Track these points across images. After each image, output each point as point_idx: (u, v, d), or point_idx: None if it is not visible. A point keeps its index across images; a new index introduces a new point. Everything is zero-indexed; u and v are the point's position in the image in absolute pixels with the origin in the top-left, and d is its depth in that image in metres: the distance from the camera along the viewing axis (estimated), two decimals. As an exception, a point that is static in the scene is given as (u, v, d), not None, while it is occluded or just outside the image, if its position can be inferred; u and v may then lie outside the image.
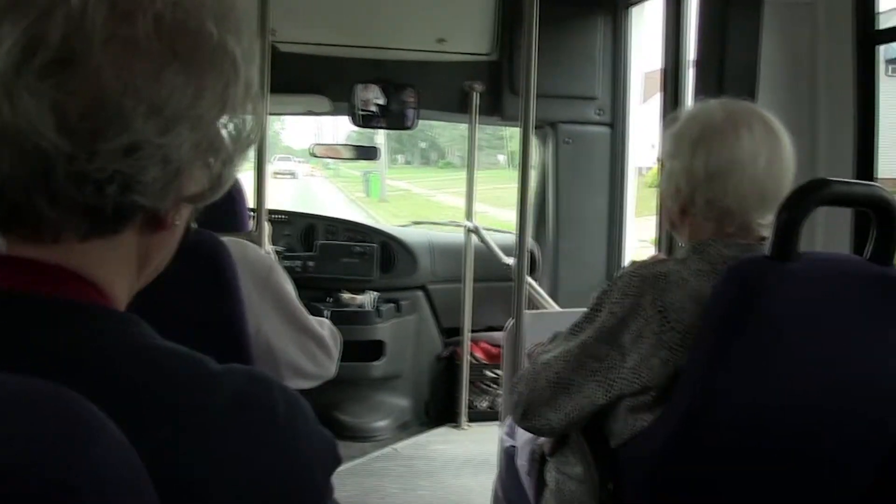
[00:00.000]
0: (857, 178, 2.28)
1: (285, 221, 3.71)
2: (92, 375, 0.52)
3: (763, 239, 1.32)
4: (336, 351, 1.65)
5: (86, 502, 0.42)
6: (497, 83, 3.54)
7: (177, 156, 0.56)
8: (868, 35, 2.29)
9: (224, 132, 0.61)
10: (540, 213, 3.78)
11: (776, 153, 1.35)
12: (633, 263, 1.46)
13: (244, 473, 0.54)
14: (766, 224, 1.33)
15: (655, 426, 1.30)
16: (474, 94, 3.47)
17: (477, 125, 3.53)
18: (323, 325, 1.64)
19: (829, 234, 2.39)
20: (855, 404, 1.29)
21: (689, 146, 1.37)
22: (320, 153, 4.01)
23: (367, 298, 3.53)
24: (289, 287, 1.55)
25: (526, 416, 1.46)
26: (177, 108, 0.55)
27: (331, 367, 1.64)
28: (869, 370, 1.27)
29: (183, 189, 0.60)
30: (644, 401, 1.32)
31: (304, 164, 32.17)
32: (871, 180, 2.32)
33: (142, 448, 0.47)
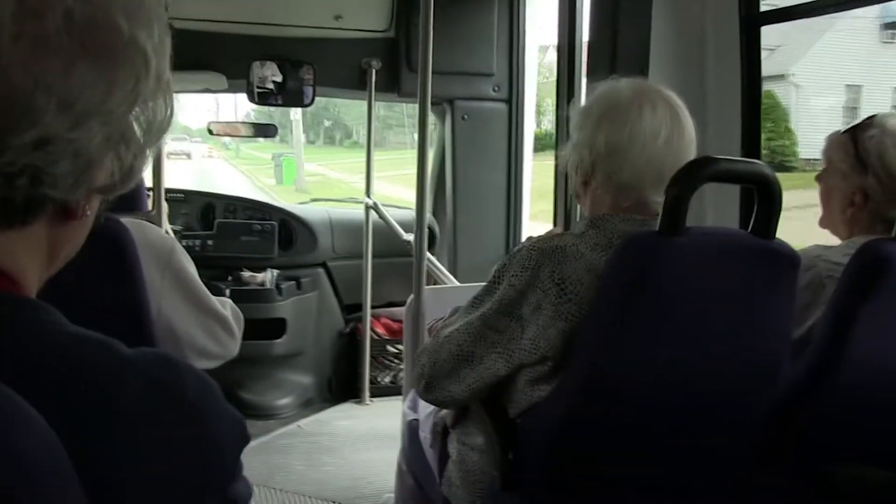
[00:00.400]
0: (744, 156, 2.41)
1: (183, 200, 3.63)
2: (9, 364, 0.53)
3: (658, 214, 1.39)
4: (239, 331, 1.66)
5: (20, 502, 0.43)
6: (394, 60, 3.55)
7: (88, 149, 0.57)
8: (753, 16, 2.40)
9: (135, 124, 0.61)
10: (438, 189, 3.83)
11: (677, 132, 1.41)
12: (531, 238, 1.51)
13: (157, 456, 0.55)
14: (661, 201, 1.38)
15: (553, 396, 1.36)
16: (372, 70, 3.48)
17: (374, 102, 3.54)
18: (225, 305, 1.64)
19: (718, 209, 2.52)
20: (740, 368, 1.39)
21: (594, 121, 1.43)
22: (217, 130, 3.94)
23: (267, 276, 3.50)
24: (191, 267, 1.54)
25: (429, 389, 1.50)
26: (88, 103, 0.56)
27: (234, 347, 1.64)
28: (751, 335, 1.37)
29: (94, 181, 0.60)
30: (542, 371, 1.38)
31: (202, 145, 29.73)
32: (757, 158, 2.47)
33: (61, 436, 0.48)
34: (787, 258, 1.35)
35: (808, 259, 1.66)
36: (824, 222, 1.81)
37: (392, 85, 3.58)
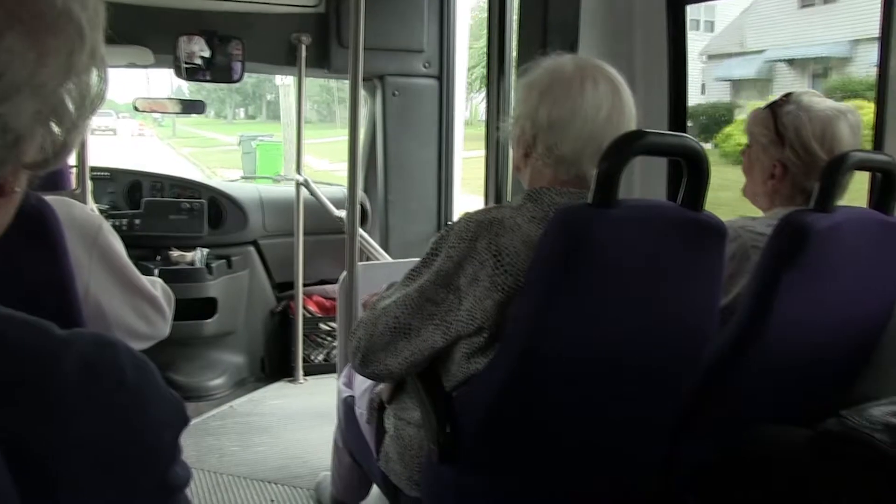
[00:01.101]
0: (671, 130, 2.47)
1: (108, 179, 3.52)
2: None
3: None
4: (169, 311, 1.62)
5: None
6: (324, 35, 3.50)
7: (16, 124, 0.54)
8: (678, -6, 2.45)
9: (68, 98, 0.59)
10: (370, 166, 3.81)
11: (618, 108, 1.44)
12: (467, 213, 1.52)
13: (94, 440, 0.54)
14: None
15: (489, 368, 1.38)
16: (302, 46, 3.42)
17: (305, 77, 3.49)
18: (155, 285, 1.61)
19: (646, 182, 2.58)
20: (670, 336, 1.43)
21: (536, 95, 1.44)
22: (143, 107, 3.83)
23: (196, 255, 3.43)
24: (119, 246, 1.50)
25: (365, 362, 1.50)
26: (17, 75, 0.53)
27: (164, 328, 1.61)
28: (681, 305, 1.41)
29: (23, 156, 0.58)
30: (479, 343, 1.40)
31: (130, 121, 27.24)
32: (684, 131, 2.52)
33: None
34: (715, 229, 1.38)
35: (734, 230, 1.72)
36: (748, 192, 1.88)
37: (322, 61, 3.53)
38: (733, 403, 1.64)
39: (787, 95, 1.79)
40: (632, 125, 1.46)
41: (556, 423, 1.44)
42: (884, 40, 1.89)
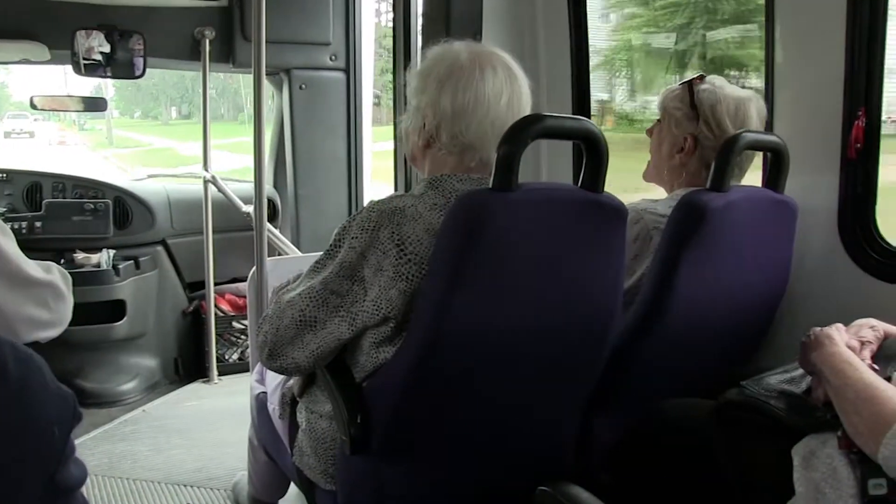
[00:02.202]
0: (575, 114, 2.52)
1: (5, 180, 3.38)
2: None
3: None
4: (69, 293, 1.57)
5: None
6: (228, 29, 3.43)
7: None
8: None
9: None
10: (278, 161, 3.76)
11: (516, 93, 1.46)
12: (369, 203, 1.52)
13: None
14: None
15: (397, 357, 1.38)
16: (205, 40, 3.35)
17: (209, 72, 3.41)
18: (51, 269, 1.55)
19: (552, 167, 2.62)
20: (574, 316, 1.45)
21: (436, 83, 1.44)
22: (42, 105, 3.66)
23: (102, 257, 3.32)
24: (7, 240, 1.44)
25: (272, 356, 1.48)
26: None
27: (67, 311, 1.55)
28: (583, 285, 1.43)
29: None
30: (386, 333, 1.39)
31: (48, 123, 23.30)
32: (587, 116, 2.58)
33: None
34: (615, 210, 1.41)
35: (636, 213, 1.77)
36: (650, 175, 1.94)
37: (227, 55, 3.47)
38: (641, 381, 1.69)
39: (702, 76, 1.86)
40: (528, 110, 1.47)
41: (467, 409, 1.44)
42: (769, 31, 1.98)
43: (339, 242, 1.41)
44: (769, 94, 2.00)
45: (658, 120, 1.92)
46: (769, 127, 1.98)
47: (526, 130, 1.30)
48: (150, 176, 4.02)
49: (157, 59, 3.42)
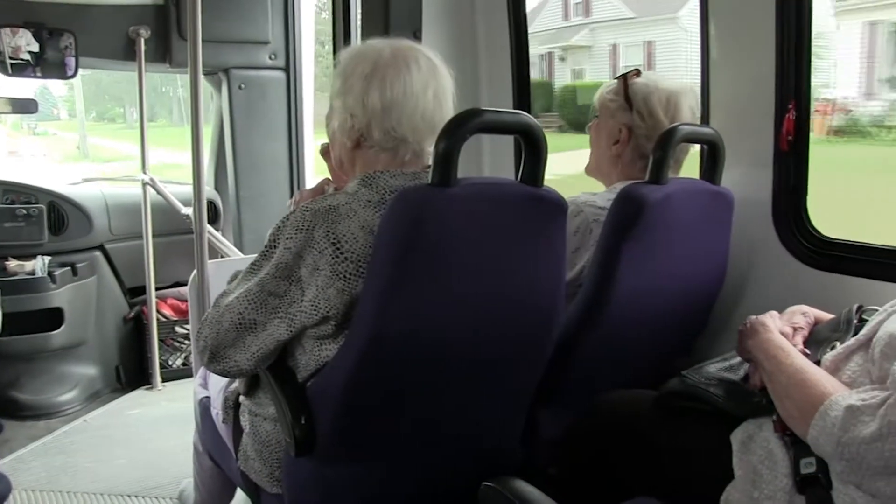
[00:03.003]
0: (516, 108, 2.53)
1: None
2: None
3: (429, 167, 1.41)
4: None
5: None
6: (164, 28, 3.36)
7: None
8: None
9: None
10: (219, 162, 3.70)
11: (441, 86, 1.46)
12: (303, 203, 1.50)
13: None
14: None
15: (339, 356, 1.36)
16: (140, 39, 3.28)
17: (145, 73, 3.34)
18: None
19: (494, 162, 2.64)
20: (517, 310, 1.45)
21: (362, 80, 1.42)
22: (-38, 107, 3.53)
23: (37, 264, 3.22)
24: None
25: (214, 360, 1.46)
26: None
27: None
28: (525, 278, 1.44)
29: None
30: (326, 331, 1.38)
31: None
32: (528, 109, 2.60)
33: None
34: (555, 204, 1.42)
35: (576, 206, 1.79)
36: (591, 170, 1.97)
37: (163, 55, 3.39)
38: (585, 373, 1.71)
39: (637, 70, 1.90)
40: (451, 102, 1.47)
41: (412, 407, 1.44)
42: (704, 28, 2.02)
43: (274, 243, 1.40)
44: (705, 89, 2.05)
45: (595, 116, 1.95)
46: (705, 120, 2.03)
47: (464, 125, 1.30)
48: (85, 180, 3.91)
49: (90, 58, 3.33)
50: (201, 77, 2.33)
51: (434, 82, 1.44)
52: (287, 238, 1.36)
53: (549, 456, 1.69)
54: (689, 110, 1.87)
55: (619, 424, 1.50)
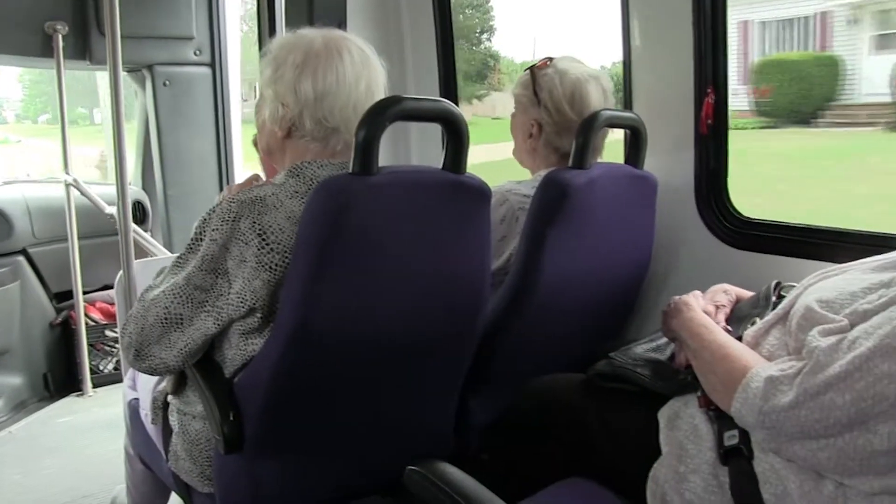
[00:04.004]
0: (443, 97, 2.53)
1: None
2: None
3: None
4: None
5: None
6: (83, 23, 3.26)
7: None
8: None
9: None
10: (146, 161, 3.62)
11: (373, 78, 1.46)
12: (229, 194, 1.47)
13: None
14: None
15: (265, 349, 1.35)
16: (58, 35, 3.17)
17: (64, 70, 3.23)
18: None
19: (422, 150, 2.64)
20: (442, 298, 1.45)
21: (293, 69, 1.41)
22: None
23: (-47, 272, 3.11)
24: None
25: (139, 357, 1.43)
26: None
27: None
28: (450, 266, 1.44)
29: None
30: (253, 324, 1.36)
31: None
32: (455, 99, 2.60)
33: None
34: (477, 190, 1.42)
35: (501, 194, 1.80)
36: (516, 154, 1.99)
37: (82, 51, 3.28)
38: (514, 359, 1.72)
39: (547, 59, 1.90)
40: (383, 95, 1.46)
41: (341, 399, 1.43)
42: (625, 16, 2.05)
43: (200, 236, 1.37)
44: (627, 76, 2.08)
45: (514, 106, 1.97)
46: (628, 106, 2.06)
47: (384, 113, 1.29)
48: (5, 182, 3.78)
49: (3, 55, 3.22)
50: (122, 74, 2.26)
51: (367, 74, 1.44)
52: (213, 230, 1.34)
53: (481, 442, 1.70)
54: (600, 96, 1.88)
55: (549, 408, 1.52)
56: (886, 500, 1.07)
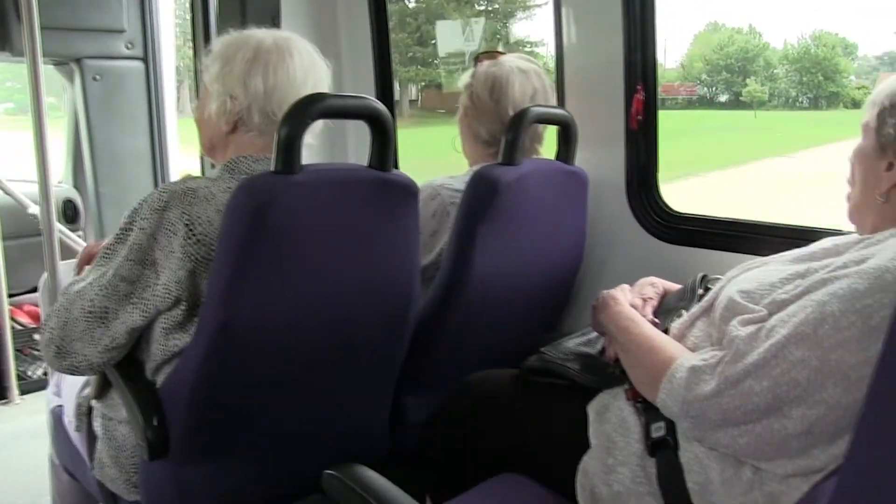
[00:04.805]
0: (379, 96, 2.52)
1: None
2: None
3: None
4: None
5: None
6: (3, 13, 3.13)
7: None
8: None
9: None
10: (77, 158, 3.51)
11: (319, 78, 1.48)
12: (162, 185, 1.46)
13: None
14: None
15: (190, 349, 1.32)
16: None
17: None
18: None
19: (359, 149, 2.61)
20: (371, 295, 1.44)
21: (244, 64, 1.42)
22: None
23: None
24: None
25: (60, 354, 1.38)
26: None
27: None
28: (378, 263, 1.43)
29: None
30: (177, 317, 1.34)
31: None
32: (390, 99, 2.59)
33: None
34: (404, 187, 1.42)
35: (433, 189, 1.80)
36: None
37: (2, 42, 3.16)
38: (448, 356, 1.72)
39: (481, 56, 1.94)
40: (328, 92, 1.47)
41: (270, 401, 1.40)
42: (557, 14, 2.06)
43: (129, 225, 1.35)
44: (560, 73, 2.09)
45: None
46: (561, 103, 2.07)
47: (307, 111, 1.27)
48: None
49: None
50: (41, 66, 2.19)
51: (313, 74, 1.47)
52: (142, 219, 1.32)
53: (417, 439, 1.70)
54: (527, 89, 1.89)
55: (483, 404, 1.52)
56: (798, 480, 1.11)
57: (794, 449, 1.10)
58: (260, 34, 1.47)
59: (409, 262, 1.46)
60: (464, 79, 1.97)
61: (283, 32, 1.50)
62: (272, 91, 1.41)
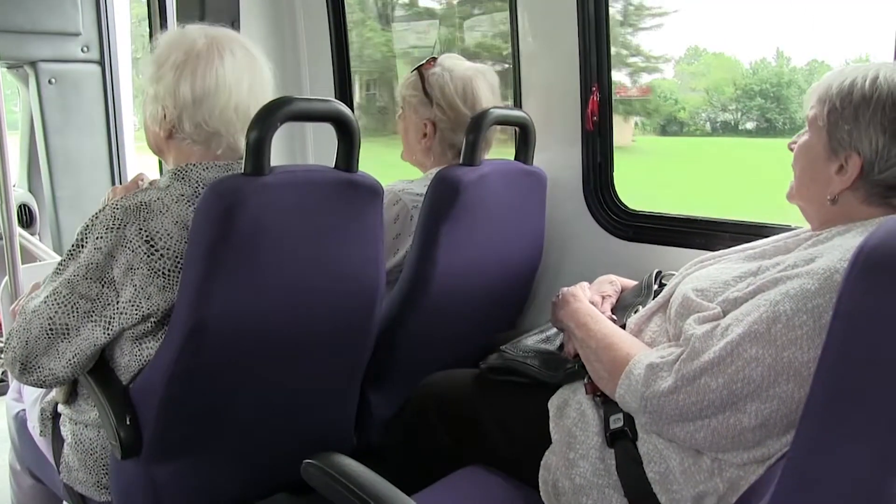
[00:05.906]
0: (338, 97, 2.54)
1: None
2: None
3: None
4: None
5: None
6: None
7: None
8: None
9: None
10: (32, 162, 3.47)
11: (257, 77, 1.44)
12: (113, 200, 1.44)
13: None
14: None
15: (160, 352, 1.33)
16: None
17: None
18: None
19: (320, 150, 2.63)
20: (337, 295, 1.47)
21: (172, 71, 1.38)
22: None
23: None
24: None
25: (26, 371, 1.37)
26: None
27: None
28: (344, 263, 1.45)
29: None
30: (146, 328, 1.34)
31: None
32: (349, 99, 2.61)
33: None
34: (370, 188, 1.44)
35: (394, 193, 1.82)
36: (406, 155, 2.01)
37: (-45, 47, 3.13)
38: (412, 355, 1.75)
39: (434, 58, 1.93)
40: (271, 94, 1.46)
41: (238, 399, 1.42)
42: (513, 17, 2.10)
43: (82, 242, 1.34)
44: (517, 75, 2.13)
45: (402, 108, 1.99)
46: (518, 105, 2.11)
47: (275, 114, 1.29)
48: None
49: None
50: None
51: (250, 75, 1.42)
52: (97, 237, 1.30)
53: (382, 436, 1.72)
54: (489, 91, 1.92)
55: (445, 402, 1.54)
56: (755, 466, 1.14)
57: (750, 441, 1.14)
58: (195, 34, 1.42)
59: (374, 261, 1.49)
60: (413, 91, 1.93)
61: (220, 31, 1.45)
62: (201, 99, 1.38)
